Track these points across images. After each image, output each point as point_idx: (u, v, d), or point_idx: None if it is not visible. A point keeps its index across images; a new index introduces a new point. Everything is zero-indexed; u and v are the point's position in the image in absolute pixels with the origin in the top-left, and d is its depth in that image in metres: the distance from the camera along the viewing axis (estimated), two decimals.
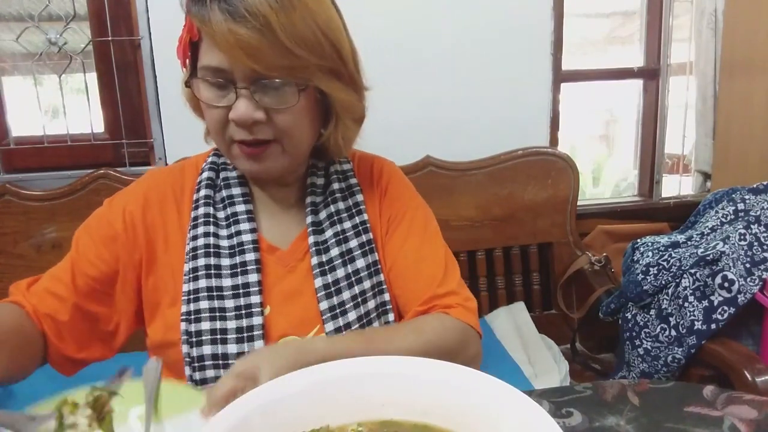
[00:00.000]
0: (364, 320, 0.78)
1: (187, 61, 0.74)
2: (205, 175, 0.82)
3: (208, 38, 0.67)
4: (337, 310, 0.76)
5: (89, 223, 0.80)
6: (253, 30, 0.63)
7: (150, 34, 1.55)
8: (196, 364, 0.73)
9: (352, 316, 0.76)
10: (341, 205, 0.83)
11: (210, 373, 0.73)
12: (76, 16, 1.55)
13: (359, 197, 0.84)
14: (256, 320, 0.74)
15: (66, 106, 1.58)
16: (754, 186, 1.52)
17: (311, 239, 0.79)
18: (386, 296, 0.81)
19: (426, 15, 1.68)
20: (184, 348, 0.74)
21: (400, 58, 1.68)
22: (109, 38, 1.56)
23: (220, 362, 0.73)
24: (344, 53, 0.73)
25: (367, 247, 0.80)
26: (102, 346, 0.79)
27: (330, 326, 0.75)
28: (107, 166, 1.53)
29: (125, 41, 1.59)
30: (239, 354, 0.72)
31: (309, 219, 0.81)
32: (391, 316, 0.81)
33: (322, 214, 0.82)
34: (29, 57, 1.55)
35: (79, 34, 1.59)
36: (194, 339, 0.73)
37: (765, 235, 1.36)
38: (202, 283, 0.75)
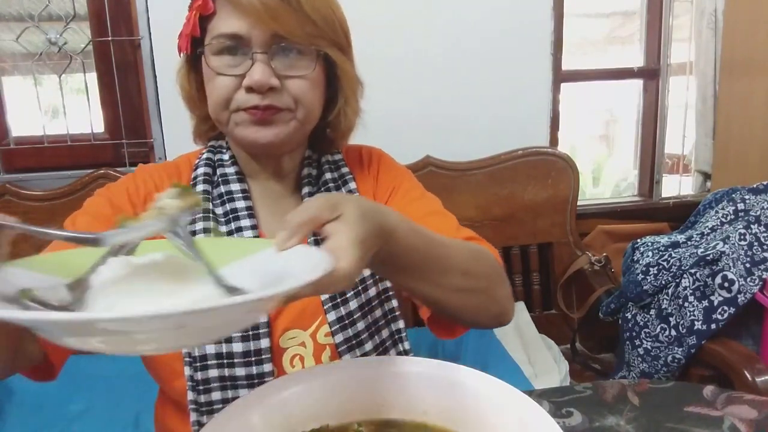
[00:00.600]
0: (366, 308, 0.77)
1: (190, 43, 0.73)
2: (201, 170, 0.80)
3: (230, 6, 0.69)
4: (338, 299, 0.75)
5: (87, 208, 0.76)
6: None
7: (150, 34, 1.55)
8: (198, 364, 0.72)
9: (353, 304, 0.76)
10: None
11: (213, 372, 0.71)
12: (76, 16, 1.55)
13: (352, 185, 0.83)
14: (261, 318, 0.73)
15: (66, 106, 1.58)
16: (754, 186, 1.52)
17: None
18: (387, 282, 0.80)
19: (426, 15, 1.68)
20: (183, 348, 0.72)
21: (401, 58, 1.68)
22: (109, 38, 1.56)
23: (225, 361, 0.71)
24: (348, 36, 0.77)
25: None
26: None
27: (332, 316, 0.75)
28: (107, 166, 1.53)
29: (125, 41, 1.59)
30: (245, 353, 0.71)
31: None
32: (394, 301, 0.80)
33: None
34: (29, 57, 1.55)
35: (79, 34, 1.59)
36: None
37: (765, 235, 1.36)
38: None
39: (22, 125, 1.65)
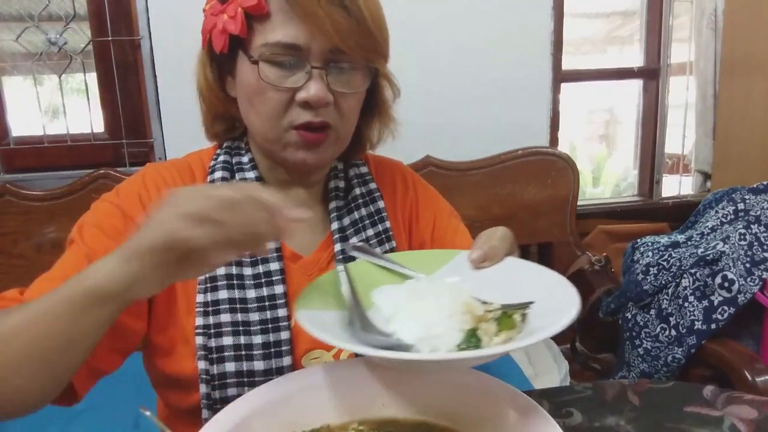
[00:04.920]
0: None
1: (226, 42, 0.69)
2: (219, 174, 0.75)
3: (290, 11, 0.65)
4: None
5: (96, 218, 0.70)
6: (342, 8, 0.64)
7: (150, 34, 1.54)
8: (217, 382, 0.68)
9: None
10: (364, 212, 0.80)
11: (232, 391, 0.67)
12: (76, 16, 1.55)
13: (381, 204, 0.81)
14: (284, 335, 0.69)
15: (66, 106, 1.57)
16: (754, 186, 1.52)
17: (337, 247, 0.76)
18: None
19: (425, 15, 1.67)
20: (202, 364, 0.67)
21: (400, 59, 1.67)
22: (109, 38, 1.56)
23: (245, 380, 0.68)
24: (389, 41, 0.75)
25: None
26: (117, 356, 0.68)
27: None
28: (107, 166, 1.53)
29: (125, 41, 1.59)
30: (266, 371, 0.68)
31: (335, 225, 0.77)
32: None
33: (346, 221, 0.79)
34: (29, 57, 1.55)
35: (79, 34, 1.59)
36: (215, 355, 0.67)
37: (765, 235, 1.36)
38: (223, 294, 0.69)
39: (22, 125, 1.65)
